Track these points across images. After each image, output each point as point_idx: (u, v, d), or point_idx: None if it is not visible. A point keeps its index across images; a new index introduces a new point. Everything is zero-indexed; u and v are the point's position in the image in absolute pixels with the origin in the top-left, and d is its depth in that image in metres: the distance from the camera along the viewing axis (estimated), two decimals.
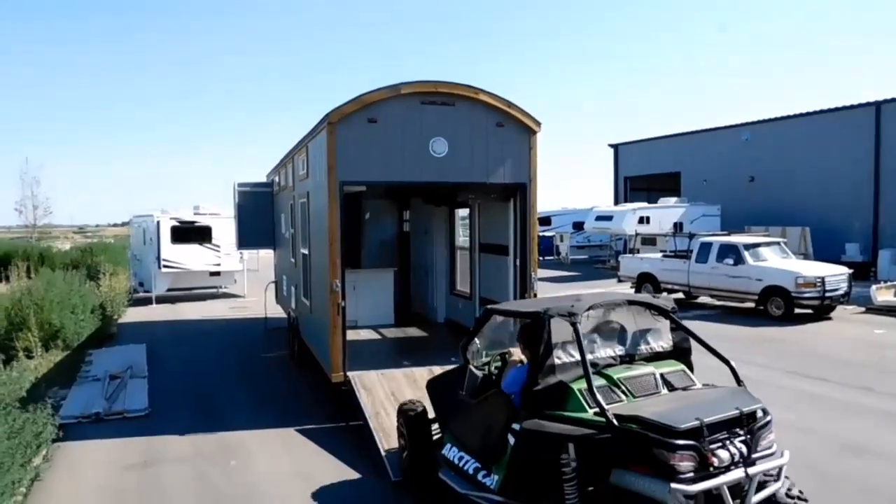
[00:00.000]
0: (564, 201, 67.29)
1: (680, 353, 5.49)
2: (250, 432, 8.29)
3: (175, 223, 21.50)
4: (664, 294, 4.64)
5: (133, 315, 18.89)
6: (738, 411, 4.34)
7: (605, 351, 5.24)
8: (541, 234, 19.57)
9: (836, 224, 26.94)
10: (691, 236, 19.57)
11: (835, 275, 16.13)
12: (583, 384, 4.63)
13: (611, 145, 40.94)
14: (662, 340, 5.53)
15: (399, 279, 13.23)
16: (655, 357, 5.38)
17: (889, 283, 17.98)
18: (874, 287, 17.40)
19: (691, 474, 4.00)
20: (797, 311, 15.96)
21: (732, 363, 5.13)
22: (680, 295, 19.28)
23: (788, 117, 30.27)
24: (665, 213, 28.96)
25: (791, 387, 10.07)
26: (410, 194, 13.09)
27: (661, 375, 5.06)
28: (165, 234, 21.22)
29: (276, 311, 15.49)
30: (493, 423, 5.13)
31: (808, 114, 29.30)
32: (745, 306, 17.44)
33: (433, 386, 6.52)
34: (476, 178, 8.83)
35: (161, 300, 21.53)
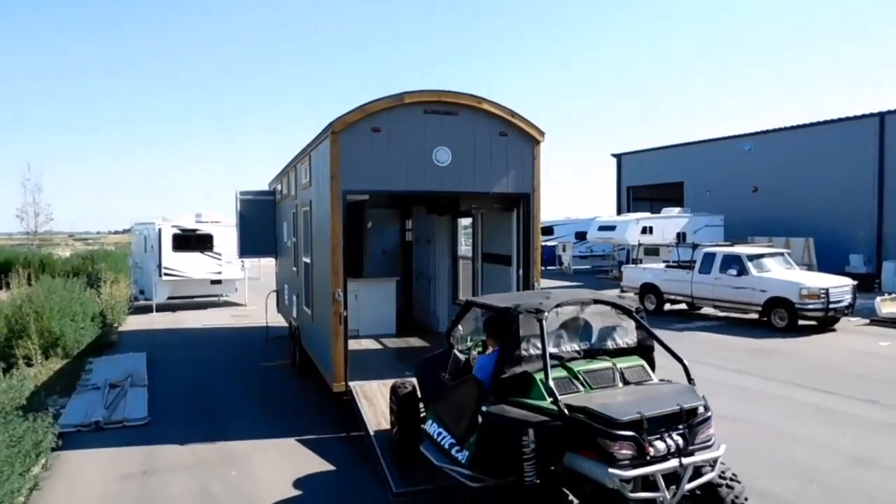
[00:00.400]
0: (567, 211, 67.34)
1: (642, 349, 5.91)
2: (251, 442, 8.26)
3: (176, 231, 21.49)
4: (630, 294, 5.02)
5: (133, 323, 18.88)
6: (678, 407, 4.73)
7: (570, 345, 5.65)
8: (543, 243, 19.53)
9: (839, 235, 26.91)
10: (694, 247, 19.54)
11: (839, 286, 16.09)
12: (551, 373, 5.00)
13: (613, 155, 40.98)
14: (627, 337, 5.94)
15: (401, 288, 13.21)
16: (618, 353, 5.79)
17: (893, 295, 17.93)
18: (878, 298, 17.38)
19: (629, 461, 4.45)
20: (801, 322, 15.91)
21: (685, 362, 5.51)
22: (683, 306, 19.28)
23: (791, 128, 30.29)
24: (668, 224, 28.95)
25: (797, 399, 10.03)
26: (413, 203, 13.09)
27: (620, 370, 5.48)
28: (167, 242, 21.20)
29: (278, 320, 15.48)
30: (466, 404, 5.56)
31: (811, 124, 29.33)
32: (749, 317, 17.40)
33: (420, 367, 7.04)
34: (479, 188, 8.83)
35: (161, 308, 21.51)
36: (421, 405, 6.86)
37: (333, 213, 8.23)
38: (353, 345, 9.41)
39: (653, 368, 5.78)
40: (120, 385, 10.71)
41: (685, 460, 4.60)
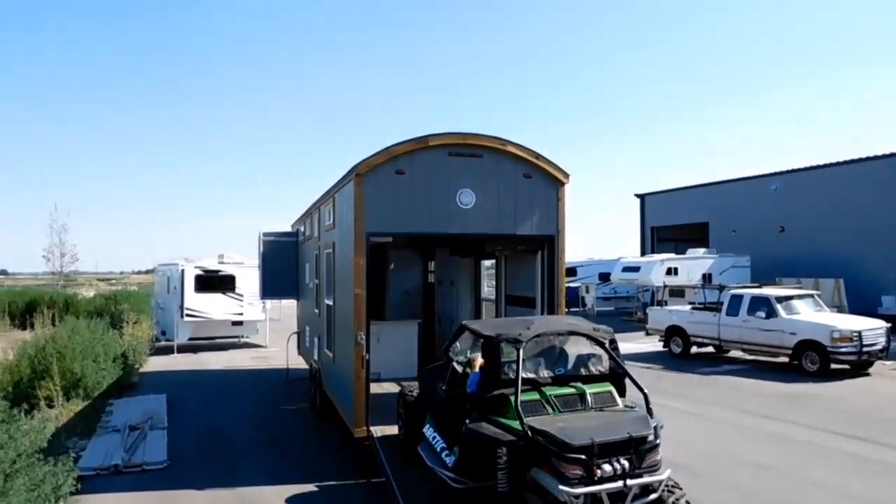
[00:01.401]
0: (590, 252, 66.98)
1: (613, 377, 6.42)
2: (270, 488, 8.17)
3: (199, 272, 21.70)
4: (604, 327, 5.57)
5: (154, 364, 18.96)
6: (627, 436, 5.28)
7: (545, 371, 6.26)
8: (566, 285, 19.48)
9: (871, 275, 26.49)
10: (721, 288, 19.29)
11: (872, 329, 15.76)
12: (521, 397, 5.66)
13: (637, 195, 40.94)
14: (600, 365, 6.45)
15: (423, 331, 13.15)
16: (590, 379, 6.33)
17: None
18: None
19: (579, 480, 5.11)
20: (833, 366, 15.57)
21: (646, 392, 6.02)
22: (710, 349, 18.98)
23: (819, 167, 30.13)
24: (693, 264, 28.71)
25: (830, 446, 9.76)
26: (436, 245, 13.10)
27: (590, 394, 6.06)
28: (189, 283, 21.40)
29: (298, 362, 15.46)
30: (454, 417, 6.26)
31: (839, 163, 29.15)
32: (779, 361, 17.07)
33: (423, 376, 7.84)
34: (503, 230, 8.83)
35: (183, 349, 21.62)
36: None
37: (357, 255, 8.25)
38: (375, 388, 9.34)
39: (622, 394, 6.34)
40: (140, 427, 10.71)
41: (630, 482, 5.19)
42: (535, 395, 5.92)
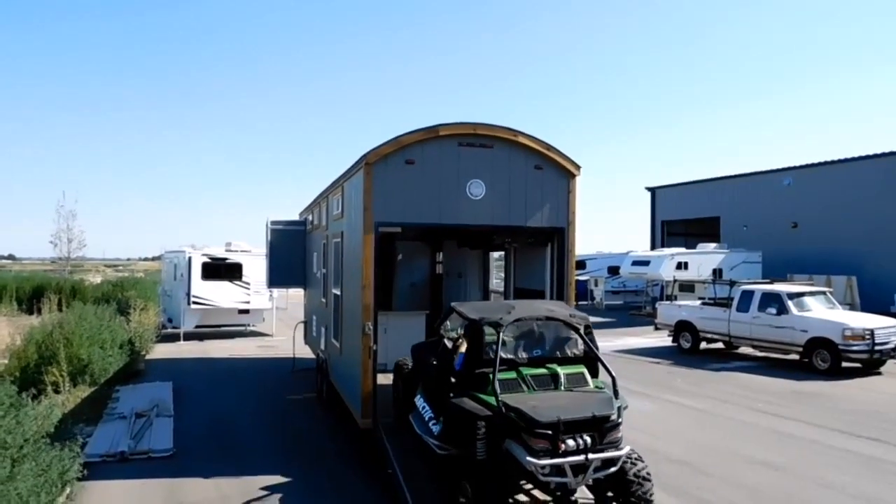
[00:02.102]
0: (599, 245, 66.79)
1: (587, 359, 6.93)
2: (276, 478, 8.20)
3: (206, 259, 21.75)
4: (580, 313, 6.20)
5: (161, 351, 19.05)
6: (591, 415, 5.86)
7: (523, 353, 6.78)
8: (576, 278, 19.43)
9: (884, 273, 26.34)
10: (732, 284, 19.19)
11: (885, 327, 15.66)
12: (499, 376, 6.22)
13: (648, 188, 40.80)
14: (575, 348, 6.98)
15: (431, 322, 13.14)
16: (565, 361, 6.84)
17: None
18: None
19: (545, 452, 5.69)
20: (844, 364, 15.50)
21: (614, 376, 6.45)
22: (720, 345, 18.92)
23: (833, 162, 29.92)
24: (704, 259, 28.59)
25: (842, 447, 9.71)
26: (444, 236, 13.08)
27: (563, 375, 6.58)
28: (196, 271, 21.46)
29: (304, 352, 15.50)
30: (442, 390, 6.88)
31: (854, 159, 28.95)
32: (789, 358, 17.01)
33: (415, 350, 8.31)
34: (513, 222, 8.80)
35: (189, 337, 21.72)
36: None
37: (365, 246, 8.24)
38: (382, 379, 9.35)
39: (594, 376, 6.87)
40: (146, 415, 10.76)
41: (591, 456, 5.74)
42: (513, 375, 6.52)
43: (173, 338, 21.53)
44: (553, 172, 8.93)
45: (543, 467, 5.67)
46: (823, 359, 15.69)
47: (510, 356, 6.64)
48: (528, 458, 5.69)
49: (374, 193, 8.23)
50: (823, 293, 17.78)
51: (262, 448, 9.62)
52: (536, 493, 6.78)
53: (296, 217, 15.91)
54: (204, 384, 14.30)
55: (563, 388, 6.50)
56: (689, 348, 19.17)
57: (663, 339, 20.79)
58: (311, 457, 9.11)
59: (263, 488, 7.86)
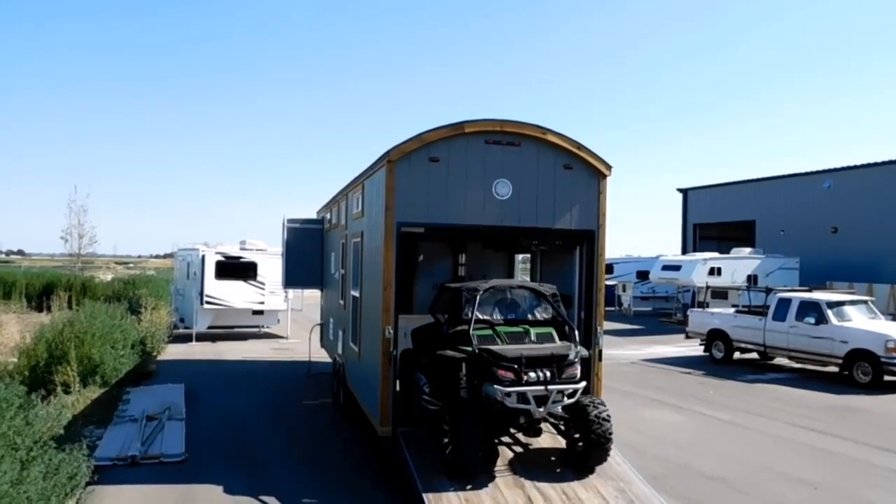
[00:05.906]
0: (627, 248, 66.50)
1: (555, 322, 8.20)
2: (291, 486, 8.21)
3: (220, 258, 21.84)
4: (547, 284, 8.47)
5: (172, 352, 19.19)
6: (550, 353, 7.28)
7: (499, 315, 8.10)
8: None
9: None
10: (768, 291, 18.96)
11: None
12: (475, 332, 7.53)
13: (679, 190, 40.49)
14: (546, 313, 8.28)
15: None
16: (536, 323, 8.12)
17: None
18: None
19: (510, 382, 7.01)
20: (887, 378, 15.24)
21: (572, 326, 8.26)
22: (754, 355, 18.71)
23: (874, 164, 29.53)
24: (738, 265, 28.28)
25: (882, 465, 9.55)
26: (468, 237, 12.99)
27: (534, 333, 7.85)
28: (210, 269, 21.55)
29: (321, 356, 15.53)
30: (431, 352, 8.20)
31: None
32: (828, 370, 16.79)
33: (415, 333, 9.44)
34: (541, 223, 8.73)
35: (201, 338, 21.85)
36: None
37: (386, 247, 8.21)
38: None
39: (563, 339, 8.00)
40: (157, 418, 10.82)
41: (550, 387, 7.07)
42: (489, 332, 7.75)
43: (185, 338, 21.66)
44: (583, 172, 8.85)
45: (510, 394, 6.94)
46: (864, 371, 15.45)
47: (486, 317, 7.95)
48: (496, 387, 6.98)
49: (396, 192, 8.19)
50: (865, 302, 17.51)
51: (276, 455, 9.64)
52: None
53: (313, 215, 15.95)
54: (217, 387, 14.38)
55: (531, 343, 7.73)
56: (721, 358, 18.98)
57: (694, 348, 20.60)
58: (328, 465, 9.11)
59: (278, 498, 7.87)
